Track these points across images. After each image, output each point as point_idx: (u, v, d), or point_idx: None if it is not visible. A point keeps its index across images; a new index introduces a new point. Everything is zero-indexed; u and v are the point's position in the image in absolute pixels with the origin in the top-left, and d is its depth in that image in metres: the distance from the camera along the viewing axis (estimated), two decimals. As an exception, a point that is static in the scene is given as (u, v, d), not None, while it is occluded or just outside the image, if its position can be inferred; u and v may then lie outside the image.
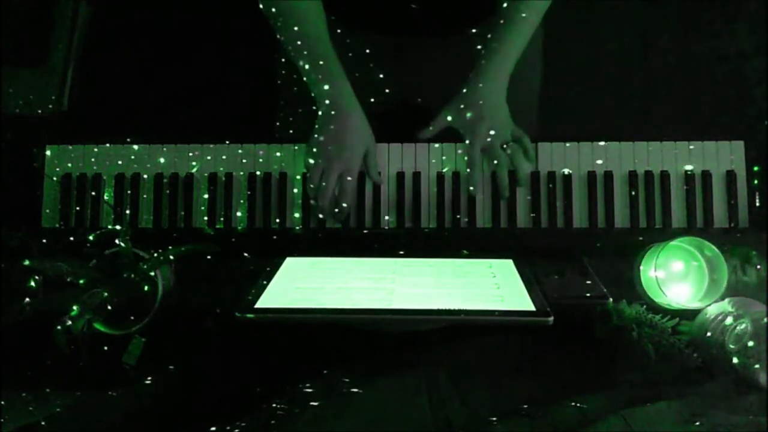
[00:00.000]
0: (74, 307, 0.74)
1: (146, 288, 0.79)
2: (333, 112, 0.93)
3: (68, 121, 1.19)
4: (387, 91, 0.99)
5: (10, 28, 1.21)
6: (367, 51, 1.01)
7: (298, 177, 0.96)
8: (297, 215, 0.96)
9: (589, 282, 0.82)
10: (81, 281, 0.77)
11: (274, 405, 0.67)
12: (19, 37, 1.22)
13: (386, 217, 0.95)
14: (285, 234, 0.94)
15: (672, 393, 0.69)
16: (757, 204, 0.93)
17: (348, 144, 0.93)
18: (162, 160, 0.97)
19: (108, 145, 0.98)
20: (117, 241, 0.80)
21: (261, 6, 0.96)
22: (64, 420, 0.68)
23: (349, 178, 0.92)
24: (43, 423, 0.67)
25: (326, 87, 0.93)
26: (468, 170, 0.94)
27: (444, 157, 0.97)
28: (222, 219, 0.95)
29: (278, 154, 0.97)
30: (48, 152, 0.98)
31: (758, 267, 0.82)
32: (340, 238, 0.94)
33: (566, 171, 0.96)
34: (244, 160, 0.97)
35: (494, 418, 0.66)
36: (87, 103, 1.26)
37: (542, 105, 1.17)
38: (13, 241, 0.84)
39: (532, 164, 0.95)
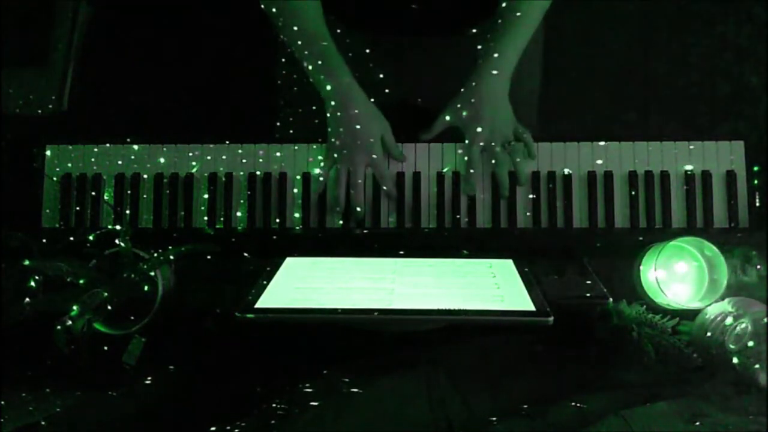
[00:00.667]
0: (74, 307, 0.74)
1: (146, 288, 0.79)
2: (342, 109, 0.93)
3: (68, 121, 1.19)
4: (387, 91, 0.99)
5: (10, 28, 1.21)
6: (367, 51, 1.01)
7: (298, 177, 0.96)
8: (297, 215, 0.96)
9: (589, 282, 0.82)
10: (81, 281, 0.77)
11: (274, 405, 0.67)
12: (19, 37, 1.22)
13: (387, 218, 0.95)
14: (285, 234, 0.94)
15: (672, 393, 0.69)
16: (757, 204, 0.93)
17: (364, 136, 0.93)
18: (162, 160, 0.97)
19: (108, 145, 0.98)
20: (117, 241, 0.80)
21: (262, 5, 0.96)
22: (64, 420, 0.68)
23: (377, 173, 0.94)
24: (43, 423, 0.67)
25: (330, 85, 0.93)
26: (466, 170, 0.94)
27: (444, 157, 0.97)
28: (222, 219, 0.95)
29: (278, 154, 0.97)
30: (48, 152, 0.98)
31: (758, 267, 0.82)
32: (340, 238, 0.94)
33: (566, 171, 0.96)
34: (244, 160, 0.97)
35: (494, 418, 0.66)
36: (87, 103, 1.26)
37: (542, 105, 1.17)
38: (13, 241, 0.84)
39: (534, 162, 0.95)
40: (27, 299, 0.78)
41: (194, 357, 0.76)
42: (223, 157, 0.97)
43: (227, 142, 0.97)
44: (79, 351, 0.74)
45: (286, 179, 0.96)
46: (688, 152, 0.95)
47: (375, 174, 0.94)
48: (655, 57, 1.72)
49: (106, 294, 0.76)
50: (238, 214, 0.96)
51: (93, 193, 0.96)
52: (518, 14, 0.95)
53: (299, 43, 0.94)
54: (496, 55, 0.95)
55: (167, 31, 1.52)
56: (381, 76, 0.98)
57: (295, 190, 0.96)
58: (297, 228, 0.95)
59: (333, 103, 0.94)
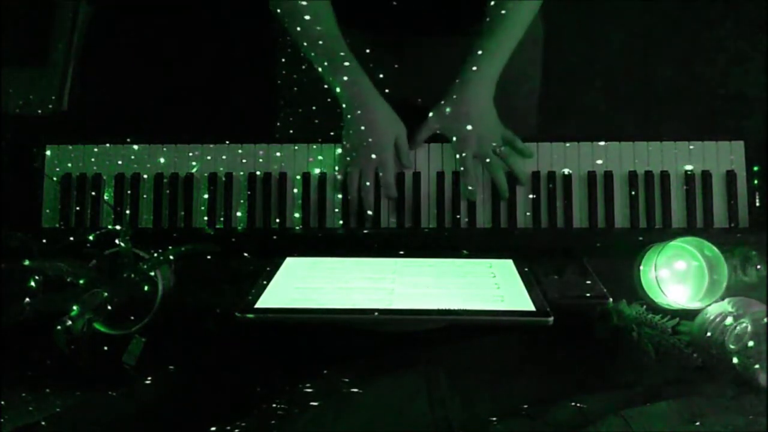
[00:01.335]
0: (74, 307, 0.74)
1: (146, 288, 0.79)
2: (356, 108, 0.93)
3: (68, 121, 1.19)
4: (387, 91, 0.99)
5: (10, 28, 1.21)
6: (367, 51, 1.01)
7: (298, 177, 0.96)
8: (297, 215, 0.96)
9: (589, 282, 0.82)
10: (81, 281, 0.77)
11: (274, 405, 0.67)
12: (19, 37, 1.22)
13: (387, 218, 0.95)
14: (285, 234, 0.94)
15: (672, 393, 0.69)
16: (757, 204, 0.93)
17: (378, 135, 0.93)
18: (162, 160, 0.97)
19: (108, 145, 0.98)
20: (117, 241, 0.80)
21: (271, 8, 0.96)
22: (64, 420, 0.68)
23: (383, 173, 0.93)
24: (43, 423, 0.67)
25: (344, 85, 0.93)
26: (462, 178, 0.94)
27: (444, 157, 0.97)
28: (222, 219, 0.95)
29: (278, 154, 0.97)
30: (48, 152, 0.98)
31: (758, 267, 0.82)
32: (340, 238, 0.94)
33: (566, 171, 0.96)
34: (244, 160, 0.97)
35: (494, 418, 0.66)
36: (87, 103, 1.26)
37: (542, 105, 1.17)
38: (13, 241, 0.84)
39: (530, 161, 0.95)
40: (27, 299, 0.78)
41: (194, 357, 0.76)
42: (223, 157, 0.97)
43: (227, 142, 0.98)
44: (79, 351, 0.74)
45: (286, 179, 0.96)
46: (688, 152, 0.95)
47: (380, 176, 0.94)
48: (655, 57, 1.72)
49: (106, 294, 0.76)
50: (238, 214, 0.96)
51: (93, 193, 0.96)
52: (504, 14, 0.94)
53: (311, 44, 0.94)
54: (481, 57, 0.94)
55: (167, 31, 1.52)
56: (381, 76, 0.98)
57: (295, 190, 0.96)
58: (297, 228, 0.95)
59: (347, 104, 0.94)
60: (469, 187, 0.93)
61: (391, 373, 0.71)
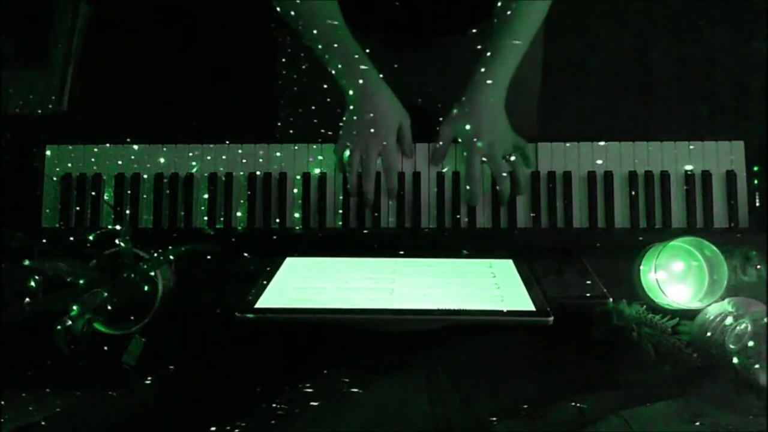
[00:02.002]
0: (74, 307, 0.74)
1: (146, 288, 0.79)
2: (362, 96, 0.93)
3: (68, 121, 1.19)
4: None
5: (10, 28, 1.21)
6: (367, 51, 1.01)
7: (298, 177, 0.96)
8: (297, 215, 0.96)
9: (589, 282, 0.82)
10: (81, 281, 0.77)
11: (274, 405, 0.67)
12: (19, 37, 1.22)
13: (387, 218, 0.95)
14: (285, 234, 0.94)
15: (672, 393, 0.69)
16: (757, 204, 0.93)
17: (381, 120, 0.93)
18: (162, 160, 0.97)
19: (108, 145, 0.98)
20: (117, 241, 0.80)
21: (278, 8, 0.95)
22: (64, 420, 0.68)
23: (385, 162, 0.93)
24: (43, 423, 0.67)
25: (352, 75, 0.93)
26: (468, 183, 0.94)
27: (444, 157, 0.96)
28: (222, 219, 0.95)
29: (278, 154, 0.97)
30: (48, 152, 0.98)
31: (758, 267, 0.82)
32: (340, 238, 0.94)
33: (566, 171, 0.95)
34: (244, 160, 0.97)
35: (494, 418, 0.66)
36: (87, 103, 1.26)
37: (542, 105, 1.17)
38: (13, 241, 0.84)
39: (533, 162, 0.95)
40: (27, 299, 0.78)
41: (194, 357, 0.76)
42: (223, 157, 0.97)
43: (227, 142, 0.97)
44: (79, 351, 0.74)
45: (286, 179, 0.96)
46: (688, 152, 0.95)
47: (383, 162, 0.94)
48: (655, 57, 1.72)
49: (106, 294, 0.76)
50: (238, 214, 0.96)
51: (93, 193, 0.96)
52: (515, 15, 0.95)
53: (317, 36, 0.94)
54: (493, 62, 0.94)
55: (167, 31, 1.52)
56: (381, 76, 0.98)
57: (295, 190, 0.96)
58: (297, 228, 0.95)
59: (355, 87, 0.93)
60: (474, 192, 0.93)
61: (391, 373, 0.71)
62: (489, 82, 0.94)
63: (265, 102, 1.17)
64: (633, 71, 1.73)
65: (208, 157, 0.97)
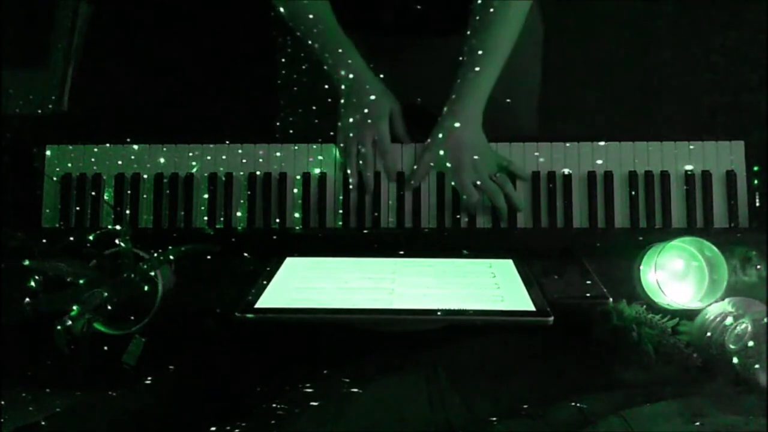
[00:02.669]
0: (74, 307, 0.74)
1: (146, 288, 0.79)
2: (352, 89, 0.95)
3: (68, 121, 1.19)
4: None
5: (10, 28, 1.21)
6: (367, 51, 1.01)
7: (298, 177, 0.96)
8: (297, 215, 0.96)
9: (589, 282, 0.82)
10: (81, 281, 0.77)
11: (274, 405, 0.67)
12: (19, 37, 1.22)
13: (387, 218, 0.95)
14: (285, 234, 0.94)
15: (672, 393, 0.69)
16: (757, 204, 0.93)
17: (372, 109, 0.95)
18: (162, 160, 0.97)
19: (108, 145, 0.98)
20: (117, 241, 0.80)
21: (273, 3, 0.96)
22: (64, 420, 0.68)
23: (380, 145, 0.94)
24: (43, 423, 0.66)
25: (342, 69, 0.95)
26: (465, 203, 0.94)
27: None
28: (222, 219, 0.95)
29: (278, 154, 0.97)
30: (48, 152, 0.98)
31: (758, 267, 0.82)
32: (340, 238, 0.94)
33: (566, 171, 0.96)
34: (244, 160, 0.97)
35: (494, 418, 0.66)
36: (87, 103, 1.26)
37: (542, 105, 1.17)
38: (13, 241, 0.84)
39: (530, 161, 0.95)
40: (27, 299, 0.78)
41: (194, 357, 0.76)
42: (223, 157, 0.97)
43: (227, 142, 0.98)
44: (79, 351, 0.74)
45: (286, 179, 0.96)
46: (688, 152, 0.95)
47: (377, 148, 0.95)
48: (655, 57, 1.72)
49: (106, 294, 0.76)
50: (238, 214, 0.96)
51: (93, 193, 0.96)
52: (492, 17, 0.94)
53: (310, 32, 0.95)
54: (470, 74, 0.94)
55: (167, 31, 1.51)
56: (381, 76, 0.99)
57: (295, 190, 0.96)
58: (297, 228, 0.95)
59: (345, 84, 0.95)
60: (473, 203, 0.94)
61: (391, 373, 0.71)
62: (468, 102, 0.94)
63: (265, 102, 1.17)
64: (633, 71, 1.72)
65: (208, 157, 0.97)
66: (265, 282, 0.80)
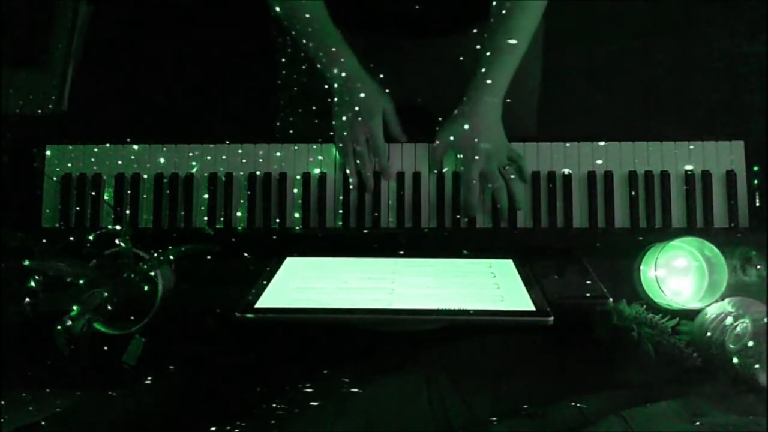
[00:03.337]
0: (74, 307, 0.74)
1: (146, 288, 0.79)
2: (345, 88, 0.95)
3: (68, 121, 1.19)
4: (387, 91, 0.99)
5: (10, 28, 1.21)
6: (367, 51, 1.01)
7: (298, 177, 0.96)
8: (297, 215, 0.96)
9: (589, 282, 0.82)
10: (81, 281, 0.77)
11: (274, 405, 0.67)
12: (19, 37, 1.22)
13: (387, 217, 0.95)
14: (285, 234, 0.94)
15: (672, 393, 0.69)
16: (757, 204, 0.93)
17: (363, 108, 0.94)
18: (162, 160, 0.97)
19: (108, 145, 0.98)
20: (117, 241, 0.80)
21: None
22: (64, 420, 0.68)
23: (373, 143, 0.94)
24: (43, 423, 0.66)
25: (335, 68, 0.94)
26: (464, 196, 0.94)
27: (444, 157, 0.96)
28: (222, 219, 0.95)
29: (278, 154, 0.97)
30: (48, 152, 0.98)
31: (758, 267, 0.82)
32: (340, 238, 0.94)
33: (566, 171, 0.96)
34: (244, 160, 0.97)
35: (494, 418, 0.66)
36: (87, 103, 1.26)
37: (542, 105, 1.17)
38: (13, 241, 0.84)
39: (530, 161, 0.95)
40: (27, 299, 0.78)
41: (194, 357, 0.76)
42: (223, 157, 0.97)
43: (227, 142, 0.97)
44: (79, 351, 0.74)
45: (286, 179, 0.96)
46: (688, 152, 0.95)
47: (371, 146, 0.94)
48: (655, 57, 1.71)
49: (106, 294, 0.76)
50: (238, 214, 0.96)
51: (93, 193, 0.96)
52: (509, 17, 0.94)
53: (304, 31, 0.95)
54: (490, 68, 0.94)
55: (167, 31, 1.51)
56: (381, 76, 0.98)
57: (295, 190, 0.96)
58: (297, 228, 0.95)
59: (338, 83, 0.95)
60: (470, 203, 0.93)
61: (391, 373, 0.71)
62: (487, 89, 0.93)
63: (265, 102, 1.17)
64: (633, 71, 1.72)
65: (208, 157, 0.97)
66: (265, 282, 0.80)
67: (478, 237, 0.94)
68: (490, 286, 0.79)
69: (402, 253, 0.89)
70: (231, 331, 0.75)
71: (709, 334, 0.74)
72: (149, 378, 0.73)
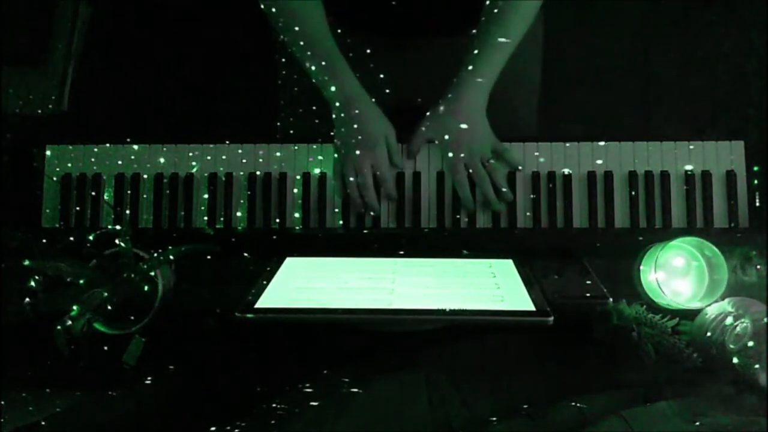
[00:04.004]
0: (74, 307, 0.74)
1: (146, 288, 0.79)
2: (345, 111, 0.94)
3: (68, 121, 1.19)
4: (387, 91, 0.99)
5: (10, 28, 1.21)
6: (368, 51, 1.01)
7: (298, 177, 0.96)
8: (297, 215, 0.96)
9: (589, 282, 0.82)
10: (81, 281, 0.77)
11: (274, 405, 0.67)
12: (19, 37, 1.22)
13: (387, 218, 0.95)
14: (285, 234, 0.94)
15: (672, 393, 0.69)
16: (757, 204, 0.93)
17: (367, 134, 0.93)
18: (162, 160, 0.97)
19: (108, 145, 0.98)
20: (117, 241, 0.80)
21: (261, 6, 0.96)
22: (64, 420, 0.68)
23: (379, 172, 0.93)
24: (43, 423, 0.66)
25: (334, 86, 0.94)
26: (458, 191, 0.94)
27: (444, 157, 0.96)
28: (222, 219, 0.95)
29: (278, 154, 0.97)
30: (48, 152, 0.98)
31: (758, 267, 0.82)
32: (340, 238, 0.94)
33: (566, 171, 0.96)
34: (244, 160, 0.97)
35: (494, 418, 0.66)
36: (87, 103, 1.26)
37: (542, 105, 1.17)
38: (13, 241, 0.84)
39: (530, 160, 0.95)
40: (27, 299, 0.78)
41: (194, 357, 0.76)
42: (223, 157, 0.97)
43: (227, 142, 0.98)
44: (79, 351, 0.74)
45: (286, 179, 0.96)
46: (688, 152, 0.95)
47: (377, 174, 0.94)
48: (655, 57, 1.72)
49: (106, 294, 0.76)
50: (238, 214, 0.96)
51: (93, 193, 0.96)
52: (501, 15, 0.94)
53: (301, 44, 0.94)
54: (477, 63, 0.94)
55: (167, 31, 1.52)
56: (381, 76, 0.99)
57: (295, 190, 0.96)
58: (297, 228, 0.95)
59: (337, 104, 0.94)
60: (466, 197, 0.93)
61: (391, 373, 0.71)
62: (474, 83, 0.93)
63: (265, 102, 1.17)
64: (633, 71, 1.72)
65: (208, 157, 0.97)
66: (265, 282, 0.80)
67: (478, 237, 0.94)
68: (490, 286, 0.79)
69: (402, 253, 0.89)
70: (231, 331, 0.75)
71: (709, 334, 0.74)
72: (149, 378, 0.73)
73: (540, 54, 1.15)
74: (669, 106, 1.70)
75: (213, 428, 0.65)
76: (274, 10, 0.95)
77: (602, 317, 0.77)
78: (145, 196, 0.96)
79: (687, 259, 0.83)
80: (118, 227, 0.83)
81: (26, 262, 0.78)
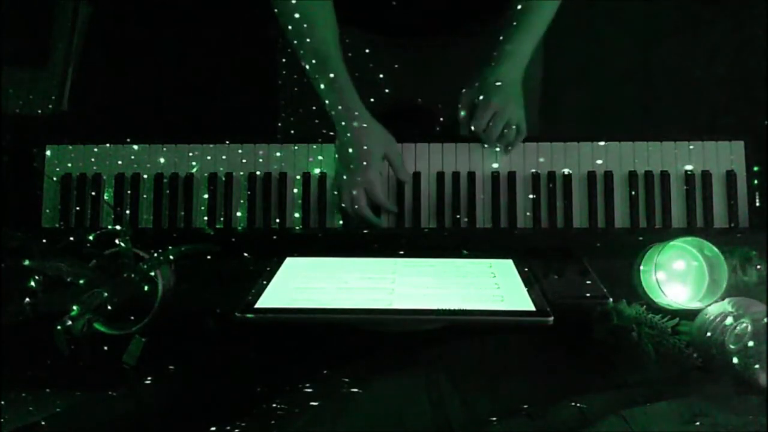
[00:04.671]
0: (74, 307, 0.74)
1: (146, 288, 0.79)
2: (346, 129, 0.94)
3: (68, 121, 1.19)
4: (387, 91, 0.99)
5: (10, 28, 1.21)
6: (368, 51, 1.01)
7: (298, 177, 0.97)
8: (297, 215, 0.96)
9: (589, 282, 0.82)
10: (81, 281, 0.77)
11: (274, 405, 0.67)
12: (19, 37, 1.22)
13: (386, 217, 0.95)
14: (285, 234, 0.94)
15: (672, 393, 0.69)
16: (757, 204, 0.93)
17: (364, 154, 0.93)
18: (162, 160, 0.97)
19: (108, 145, 0.98)
20: (117, 241, 0.80)
21: (274, 7, 0.96)
22: (64, 420, 0.68)
23: (371, 194, 0.94)
24: (43, 423, 0.66)
25: (340, 106, 0.93)
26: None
27: (444, 157, 0.97)
28: (222, 219, 0.95)
29: (278, 154, 0.97)
30: (48, 152, 0.98)
31: (758, 267, 0.82)
32: (340, 238, 0.94)
33: (566, 171, 0.96)
34: (244, 160, 0.97)
35: (494, 418, 0.66)
36: (87, 103, 1.26)
37: (542, 105, 1.17)
38: (13, 241, 0.84)
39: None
40: (27, 299, 0.78)
41: (194, 357, 0.76)
42: (223, 157, 0.97)
43: (227, 142, 0.98)
44: (79, 351, 0.74)
45: (286, 179, 0.96)
46: (688, 152, 0.95)
47: (372, 198, 0.95)
48: (655, 57, 1.72)
49: (106, 294, 0.76)
50: (238, 214, 0.96)
51: (93, 193, 0.96)
52: (533, 13, 0.96)
53: (303, 49, 0.94)
54: (510, 56, 0.96)
55: (167, 32, 1.52)
56: (381, 76, 0.99)
57: (295, 190, 0.96)
58: (297, 228, 0.95)
59: (340, 119, 0.94)
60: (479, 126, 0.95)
61: (391, 373, 0.71)
62: (510, 65, 0.96)
63: (265, 102, 1.17)
64: (633, 71, 1.72)
65: (208, 157, 0.97)
66: (265, 282, 0.80)
67: (478, 237, 0.94)
68: (490, 286, 0.79)
69: (402, 253, 0.89)
70: (231, 331, 0.75)
71: (709, 334, 0.74)
72: (149, 378, 0.73)
73: (540, 54, 1.15)
74: (669, 106, 1.70)
75: (213, 428, 0.65)
76: (279, 10, 0.95)
77: (602, 317, 0.77)
78: (145, 196, 0.97)
79: (687, 259, 0.83)
80: (118, 227, 0.83)
81: (26, 262, 0.78)
